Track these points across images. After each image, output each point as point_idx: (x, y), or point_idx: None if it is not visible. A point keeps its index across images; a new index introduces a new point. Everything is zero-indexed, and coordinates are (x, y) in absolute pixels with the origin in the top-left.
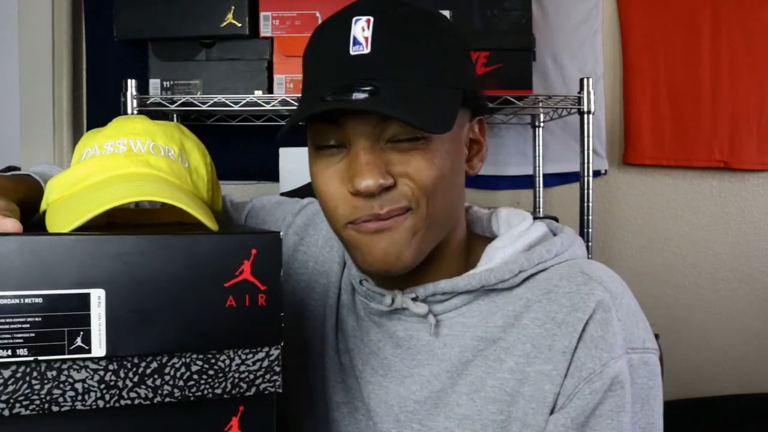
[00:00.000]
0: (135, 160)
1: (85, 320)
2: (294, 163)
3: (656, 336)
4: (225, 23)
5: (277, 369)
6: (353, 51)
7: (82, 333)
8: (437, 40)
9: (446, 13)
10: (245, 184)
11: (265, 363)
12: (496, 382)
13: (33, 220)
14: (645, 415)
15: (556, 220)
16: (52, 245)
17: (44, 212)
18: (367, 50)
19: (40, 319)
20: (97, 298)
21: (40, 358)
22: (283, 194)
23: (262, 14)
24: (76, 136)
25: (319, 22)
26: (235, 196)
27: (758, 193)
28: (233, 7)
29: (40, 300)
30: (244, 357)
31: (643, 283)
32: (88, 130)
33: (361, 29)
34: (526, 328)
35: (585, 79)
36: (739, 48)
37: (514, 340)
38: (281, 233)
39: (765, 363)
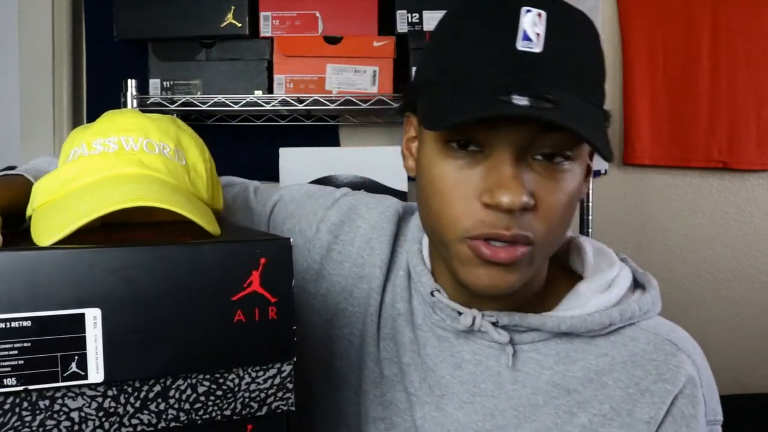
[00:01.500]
0: (127, 159)
1: (80, 343)
2: (294, 163)
3: None
4: (225, 23)
5: (290, 386)
6: (521, 46)
7: (77, 357)
8: (599, 52)
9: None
10: None
11: (277, 380)
12: None
13: (23, 227)
14: None
15: None
16: (40, 261)
17: (30, 218)
18: (538, 49)
19: (29, 344)
20: (93, 318)
21: (30, 387)
22: None
23: (262, 14)
24: None
25: (319, 22)
26: (261, 184)
27: (758, 193)
28: (233, 7)
29: (28, 323)
30: (254, 375)
31: None
32: None
33: (532, 23)
34: (606, 387)
35: None
36: (739, 48)
37: (590, 396)
38: (313, 228)
39: (765, 363)
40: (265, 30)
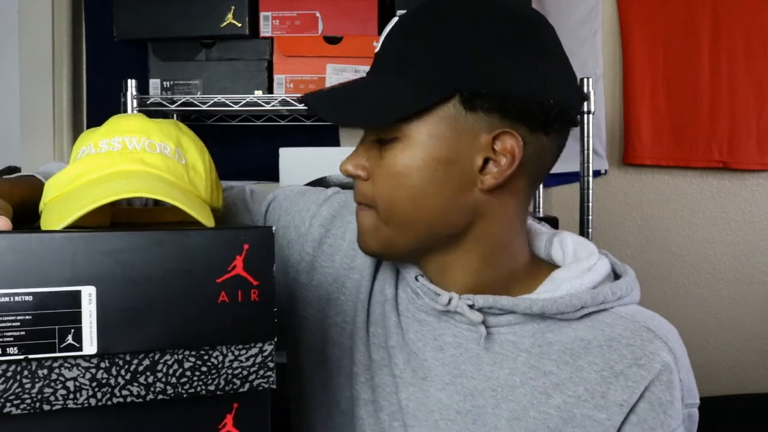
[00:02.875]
0: (129, 157)
1: (76, 318)
2: (294, 163)
3: None
4: (225, 23)
5: (271, 365)
6: (377, 50)
7: (73, 331)
8: (438, 35)
9: None
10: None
11: (259, 359)
12: (539, 414)
13: (35, 225)
14: None
15: (557, 220)
16: (42, 242)
17: (41, 212)
18: (377, 50)
19: (30, 317)
20: (88, 295)
21: (30, 356)
22: None
23: (262, 14)
24: (76, 136)
25: (319, 22)
26: (255, 187)
27: (758, 193)
28: (233, 7)
29: (30, 298)
30: (237, 353)
31: (643, 283)
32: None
33: (386, 31)
34: (582, 370)
35: (585, 79)
36: (739, 48)
37: (566, 378)
38: (306, 224)
39: (765, 363)
40: (265, 30)
